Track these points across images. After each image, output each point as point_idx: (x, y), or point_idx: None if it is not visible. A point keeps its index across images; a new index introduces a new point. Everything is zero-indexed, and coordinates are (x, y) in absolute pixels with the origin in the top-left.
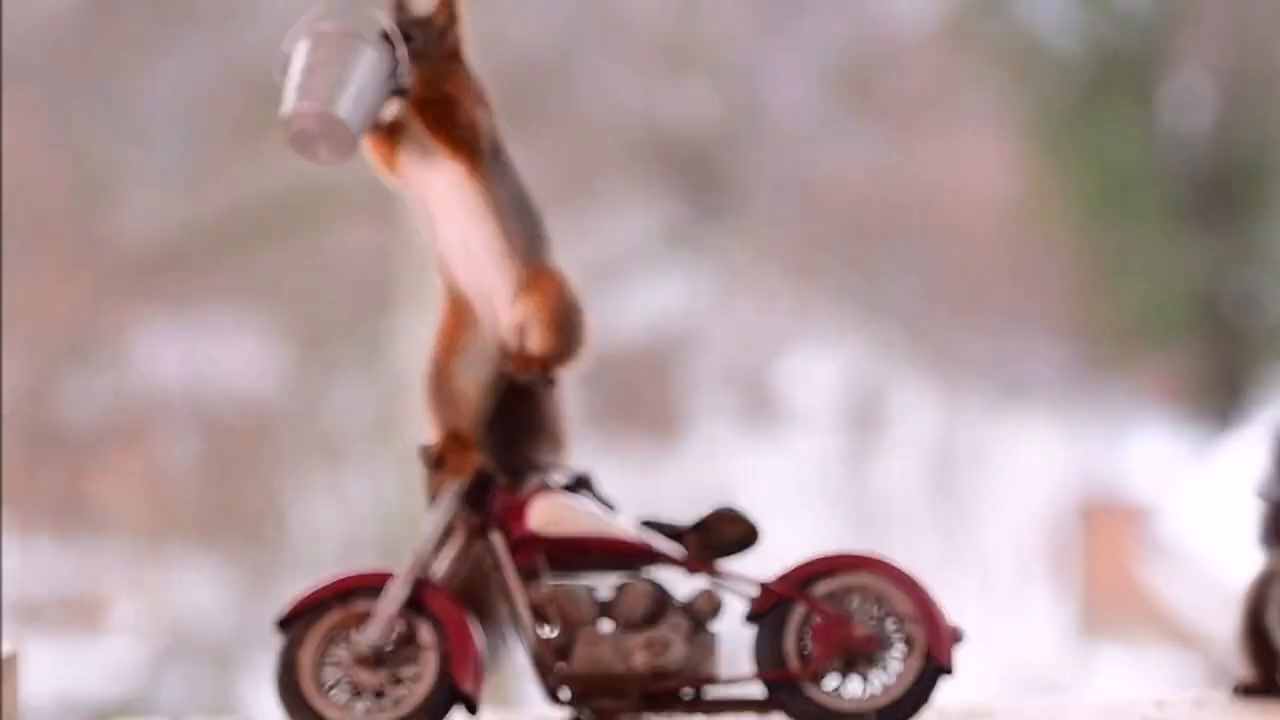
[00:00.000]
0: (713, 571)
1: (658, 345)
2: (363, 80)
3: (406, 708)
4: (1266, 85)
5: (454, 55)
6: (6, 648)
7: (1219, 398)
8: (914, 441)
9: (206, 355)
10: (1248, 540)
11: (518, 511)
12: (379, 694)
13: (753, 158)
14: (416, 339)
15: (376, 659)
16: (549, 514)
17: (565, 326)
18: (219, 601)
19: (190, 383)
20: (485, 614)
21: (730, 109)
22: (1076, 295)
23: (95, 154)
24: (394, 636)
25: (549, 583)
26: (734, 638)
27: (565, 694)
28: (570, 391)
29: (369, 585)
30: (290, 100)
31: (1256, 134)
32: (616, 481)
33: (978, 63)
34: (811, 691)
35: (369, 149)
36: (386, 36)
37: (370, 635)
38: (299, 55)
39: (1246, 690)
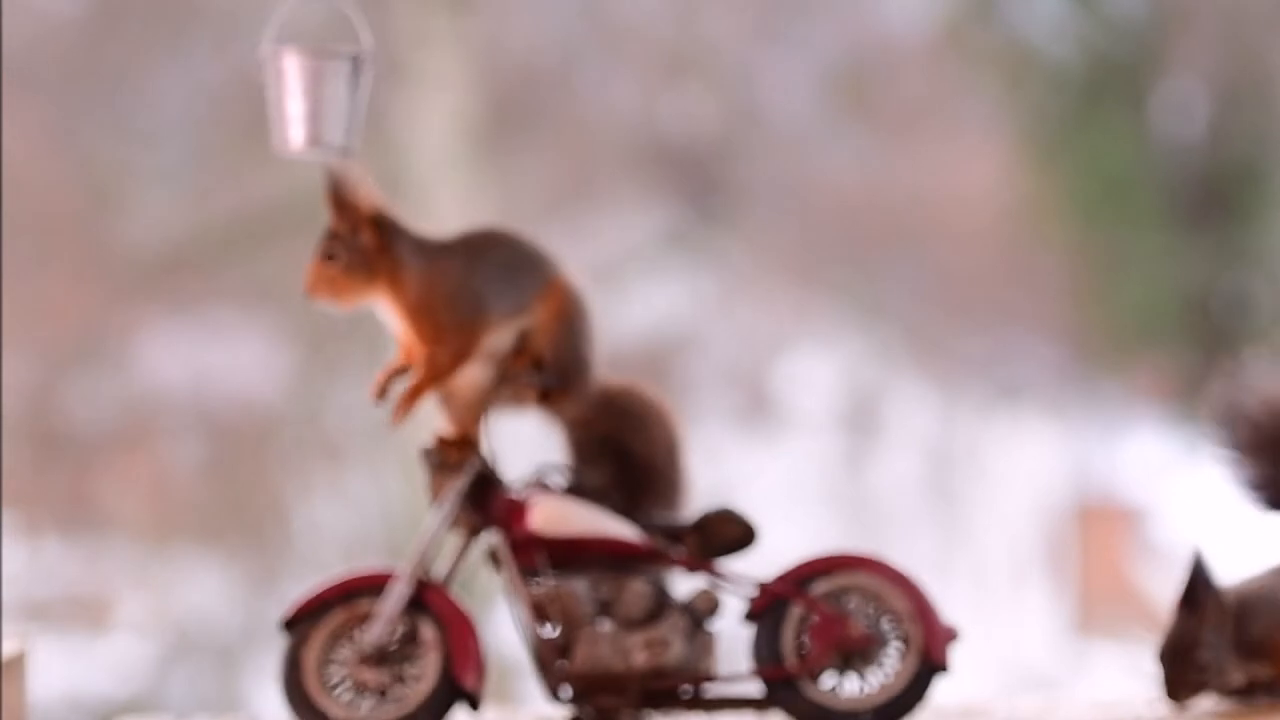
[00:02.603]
0: (711, 571)
1: (657, 348)
2: (345, 103)
3: (409, 706)
4: (1259, 91)
5: (381, 253)
6: (14, 646)
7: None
8: (911, 442)
9: (212, 358)
10: (1242, 540)
11: (519, 512)
12: (382, 693)
13: (751, 163)
14: None
15: (380, 658)
16: (550, 514)
17: (566, 333)
18: (224, 601)
19: (195, 385)
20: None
21: (729, 115)
22: (1071, 298)
23: (101, 158)
24: (396, 635)
25: (550, 582)
26: (732, 636)
27: (566, 692)
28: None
29: (372, 585)
30: (292, 136)
31: (1250, 139)
32: None
33: (973, 70)
34: (809, 690)
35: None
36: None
37: (373, 634)
38: (290, 81)
39: (1238, 691)
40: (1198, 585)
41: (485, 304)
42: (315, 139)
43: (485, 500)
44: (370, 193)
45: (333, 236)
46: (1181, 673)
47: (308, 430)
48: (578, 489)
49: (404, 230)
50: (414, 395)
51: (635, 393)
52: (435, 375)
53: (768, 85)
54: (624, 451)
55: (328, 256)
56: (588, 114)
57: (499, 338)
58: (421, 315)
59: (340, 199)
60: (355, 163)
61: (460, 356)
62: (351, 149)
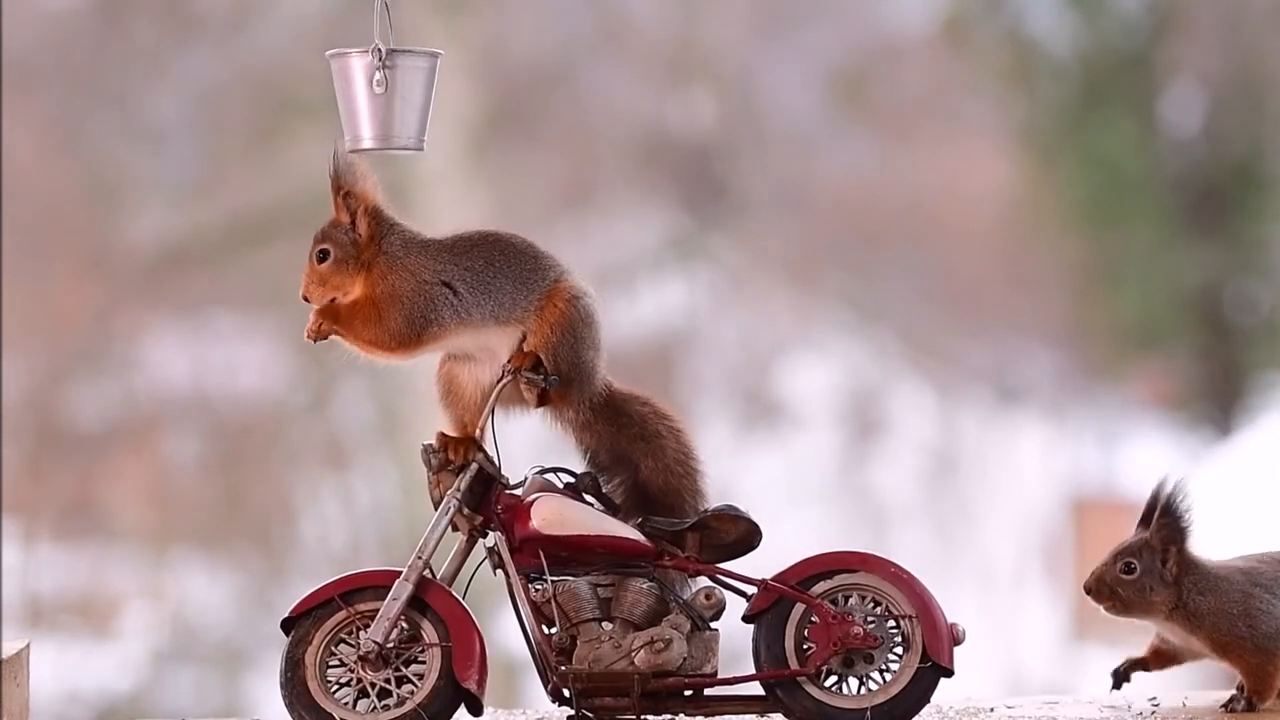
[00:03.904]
0: (713, 571)
1: (659, 348)
2: (419, 99)
3: (411, 706)
4: (1259, 91)
5: (370, 243)
6: (17, 643)
7: (1213, 401)
8: (912, 443)
9: (214, 359)
10: (1243, 541)
11: (520, 512)
12: (384, 692)
13: (753, 163)
14: None
15: (381, 657)
16: (551, 514)
17: (567, 337)
18: (226, 602)
19: (198, 386)
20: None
21: (730, 115)
22: (1072, 299)
23: (105, 160)
24: (398, 635)
25: (551, 582)
26: (734, 636)
27: (567, 692)
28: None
29: (373, 584)
30: (363, 134)
31: (1249, 140)
32: None
33: (974, 70)
34: (811, 689)
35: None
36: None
37: (375, 634)
38: (358, 81)
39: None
40: (1153, 506)
41: (464, 302)
42: (386, 136)
43: (486, 500)
44: (372, 187)
45: (324, 236)
46: (1106, 571)
47: (310, 431)
48: (579, 488)
49: (397, 225)
50: (324, 331)
51: (648, 409)
52: (370, 342)
53: (769, 87)
54: (636, 470)
55: (320, 258)
56: (590, 116)
57: (495, 338)
58: (380, 302)
59: (343, 187)
60: (363, 159)
61: (401, 347)
62: (423, 144)
